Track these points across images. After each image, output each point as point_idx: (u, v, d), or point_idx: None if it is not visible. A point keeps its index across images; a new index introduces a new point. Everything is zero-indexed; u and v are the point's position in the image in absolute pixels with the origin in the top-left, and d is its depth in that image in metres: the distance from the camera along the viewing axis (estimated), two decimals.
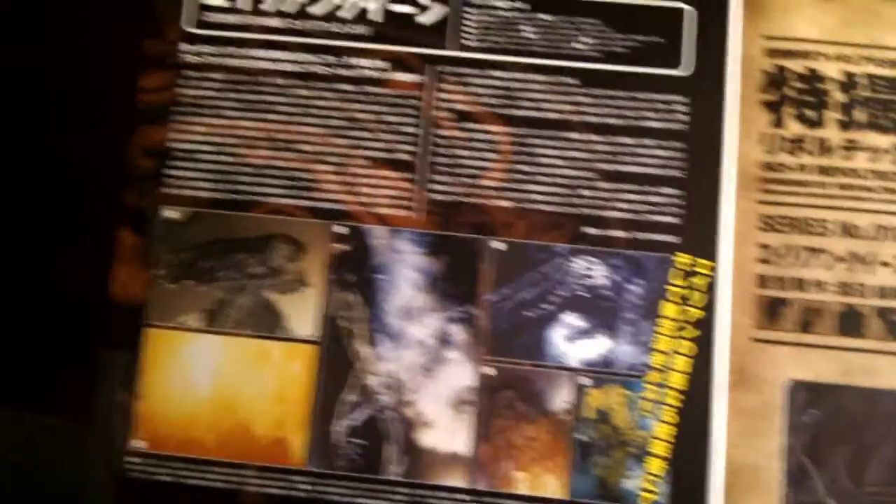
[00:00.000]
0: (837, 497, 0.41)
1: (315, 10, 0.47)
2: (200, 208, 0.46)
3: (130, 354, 0.45)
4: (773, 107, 0.44)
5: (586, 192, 0.45)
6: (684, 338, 0.43)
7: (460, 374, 0.44)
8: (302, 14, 0.47)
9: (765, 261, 0.43)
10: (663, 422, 0.42)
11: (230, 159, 0.46)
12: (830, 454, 0.41)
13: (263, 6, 0.47)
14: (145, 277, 0.46)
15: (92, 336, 0.45)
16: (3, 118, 0.49)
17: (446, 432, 0.44)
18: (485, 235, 0.45)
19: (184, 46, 0.47)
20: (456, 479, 0.43)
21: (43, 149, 0.48)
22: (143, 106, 0.47)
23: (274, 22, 0.47)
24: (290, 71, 0.47)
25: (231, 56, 0.47)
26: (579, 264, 0.44)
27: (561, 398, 0.43)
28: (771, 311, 0.43)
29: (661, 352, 0.43)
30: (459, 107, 0.46)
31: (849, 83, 0.44)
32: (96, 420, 0.45)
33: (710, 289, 0.43)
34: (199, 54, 0.47)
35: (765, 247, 0.43)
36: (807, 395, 0.41)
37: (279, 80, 0.46)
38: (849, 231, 0.42)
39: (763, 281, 0.43)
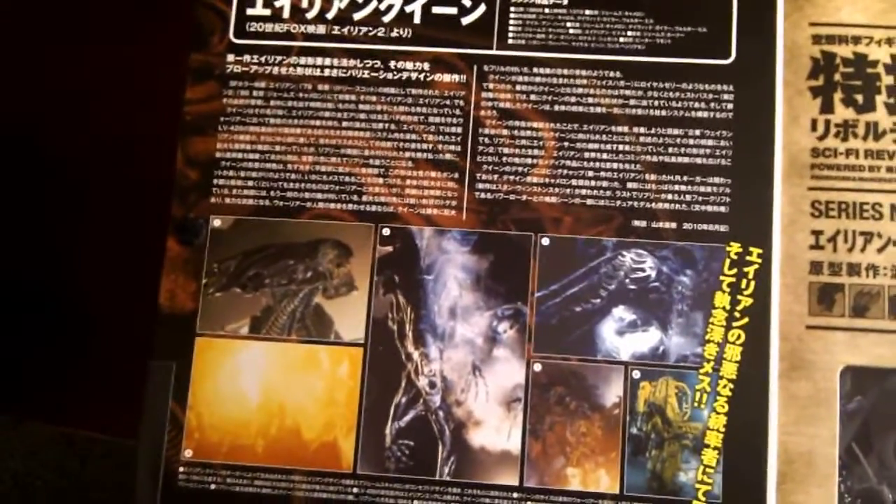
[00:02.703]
0: (889, 482, 0.51)
1: (357, 14, 0.61)
2: (247, 216, 0.59)
3: (181, 364, 0.58)
4: (821, 92, 0.55)
5: (633, 185, 0.57)
6: (737, 327, 0.54)
7: (510, 371, 0.56)
8: (344, 19, 0.60)
9: (817, 247, 0.54)
10: (717, 413, 0.54)
11: (276, 166, 0.59)
12: (881, 439, 0.52)
13: (306, 14, 0.61)
14: (194, 287, 0.59)
15: (142, 348, 0.59)
16: (52, 132, 0.63)
17: (496, 430, 0.55)
18: (532, 232, 0.57)
19: (229, 57, 0.61)
20: (507, 478, 0.55)
21: (91, 162, 0.63)
22: (190, 117, 0.61)
23: (317, 29, 0.61)
24: (334, 76, 0.60)
25: (275, 64, 0.60)
26: (628, 257, 0.56)
27: (612, 392, 0.55)
28: (824, 297, 0.53)
29: (714, 342, 0.54)
30: (503, 105, 0.58)
31: None
32: (146, 432, 0.58)
33: (762, 277, 0.54)
34: (243, 64, 0.61)
35: (816, 233, 0.54)
36: (861, 381, 0.53)
37: (323, 86, 0.60)
38: None
39: (816, 267, 0.54)
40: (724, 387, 0.51)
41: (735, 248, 0.52)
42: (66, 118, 0.60)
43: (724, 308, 0.51)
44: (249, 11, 0.58)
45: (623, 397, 0.52)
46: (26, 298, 0.59)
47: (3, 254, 0.60)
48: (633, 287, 0.52)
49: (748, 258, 0.52)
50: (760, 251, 0.52)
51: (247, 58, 0.57)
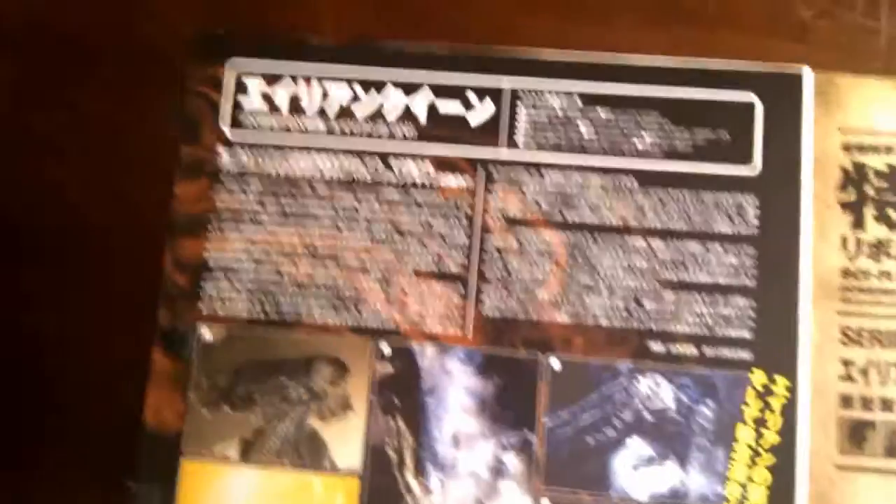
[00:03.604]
0: None
1: (358, 111, 0.59)
2: (238, 327, 0.57)
3: (164, 489, 0.56)
4: (852, 207, 0.53)
5: (650, 304, 0.55)
6: (761, 465, 0.52)
7: None
8: (345, 115, 0.59)
9: (847, 378, 0.52)
10: None
11: (269, 274, 0.58)
12: None
13: (304, 108, 0.60)
14: (180, 404, 0.57)
15: (123, 469, 0.57)
16: (33, 231, 0.62)
17: None
18: (541, 353, 0.55)
19: (221, 153, 0.59)
20: None
21: (72, 264, 0.61)
22: (178, 217, 0.59)
23: (315, 125, 0.59)
24: (333, 177, 0.58)
25: (271, 161, 0.59)
26: (644, 384, 0.54)
27: None
28: (855, 434, 0.51)
29: (737, 481, 0.52)
30: (512, 212, 0.57)
31: None
32: None
33: (789, 410, 0.52)
34: (237, 161, 0.59)
35: (847, 363, 0.52)
36: None
37: (321, 187, 0.58)
38: None
39: (846, 401, 0.52)
40: None
41: (760, 377, 0.50)
42: (44, 213, 0.58)
43: (747, 444, 0.49)
44: (244, 103, 0.56)
45: None
46: None
47: None
48: (649, 417, 0.50)
49: (773, 388, 0.50)
50: (787, 381, 0.50)
51: (240, 153, 0.55)
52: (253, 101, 0.56)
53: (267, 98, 0.56)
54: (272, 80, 0.56)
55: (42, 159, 0.59)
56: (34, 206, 0.59)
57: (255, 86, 0.56)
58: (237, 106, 0.57)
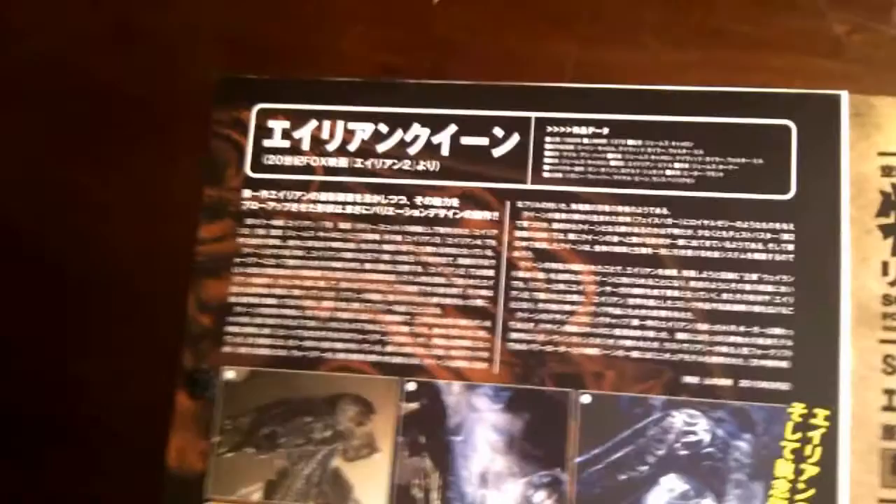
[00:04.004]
0: None
1: (381, 147, 0.59)
2: (261, 366, 0.57)
3: None
4: (893, 231, 0.52)
5: (683, 336, 0.53)
6: (801, 501, 0.50)
7: None
8: (368, 152, 0.59)
9: (890, 409, 0.50)
10: None
11: (293, 312, 0.57)
12: None
13: (327, 146, 0.60)
14: (204, 445, 0.57)
15: None
16: (60, 271, 0.62)
17: None
18: (571, 388, 0.54)
19: (245, 192, 0.60)
20: None
21: (95, 305, 0.61)
22: (202, 258, 0.59)
23: (338, 162, 0.59)
24: (356, 214, 0.58)
25: (294, 200, 0.59)
26: (678, 418, 0.52)
27: None
28: None
29: None
30: (539, 245, 0.56)
31: None
32: None
33: (829, 443, 0.50)
34: (260, 200, 0.59)
35: (890, 392, 0.50)
36: None
37: (344, 225, 0.58)
38: None
39: (888, 432, 0.50)
40: None
41: (798, 409, 0.49)
42: (70, 251, 0.59)
43: (786, 478, 0.47)
44: (266, 143, 0.56)
45: None
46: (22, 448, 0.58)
47: None
48: (684, 453, 0.49)
49: (813, 421, 0.48)
50: (827, 413, 0.48)
51: (263, 193, 0.55)
52: (276, 141, 0.56)
53: (290, 137, 0.56)
54: (296, 120, 0.56)
55: (66, 202, 0.59)
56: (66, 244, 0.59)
57: (278, 126, 0.57)
58: (261, 146, 0.57)
